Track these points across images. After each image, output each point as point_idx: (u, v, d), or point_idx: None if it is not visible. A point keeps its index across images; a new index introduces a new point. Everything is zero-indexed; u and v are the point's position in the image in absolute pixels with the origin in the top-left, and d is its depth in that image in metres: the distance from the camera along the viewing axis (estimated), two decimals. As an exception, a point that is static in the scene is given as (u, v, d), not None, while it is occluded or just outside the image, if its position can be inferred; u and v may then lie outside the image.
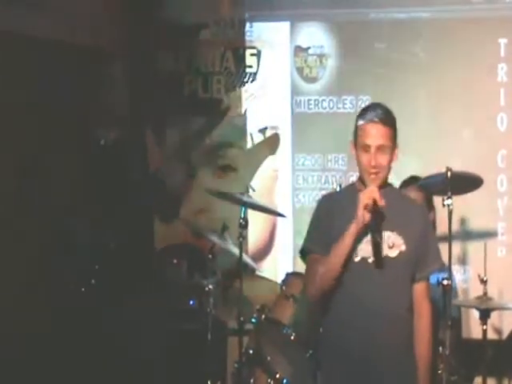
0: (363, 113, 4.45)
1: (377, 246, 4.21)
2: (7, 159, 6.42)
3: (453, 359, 6.01)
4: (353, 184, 4.69)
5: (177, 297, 7.25)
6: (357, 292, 4.42)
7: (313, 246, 4.38)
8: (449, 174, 6.05)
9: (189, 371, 7.10)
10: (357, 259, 4.37)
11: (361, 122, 4.35)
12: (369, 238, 4.32)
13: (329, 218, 4.39)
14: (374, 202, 4.07)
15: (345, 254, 4.17)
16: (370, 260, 4.38)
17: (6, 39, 6.70)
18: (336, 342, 4.50)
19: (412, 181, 6.47)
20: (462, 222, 7.22)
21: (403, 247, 4.44)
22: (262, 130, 8.16)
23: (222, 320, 7.02)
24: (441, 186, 6.20)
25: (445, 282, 5.90)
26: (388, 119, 4.37)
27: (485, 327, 6.07)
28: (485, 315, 5.97)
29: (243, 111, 8.28)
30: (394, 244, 4.49)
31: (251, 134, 8.15)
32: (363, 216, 4.06)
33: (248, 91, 8.29)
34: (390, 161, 4.34)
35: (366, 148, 4.18)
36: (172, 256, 7.56)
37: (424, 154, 7.23)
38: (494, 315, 6.18)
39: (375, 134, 4.28)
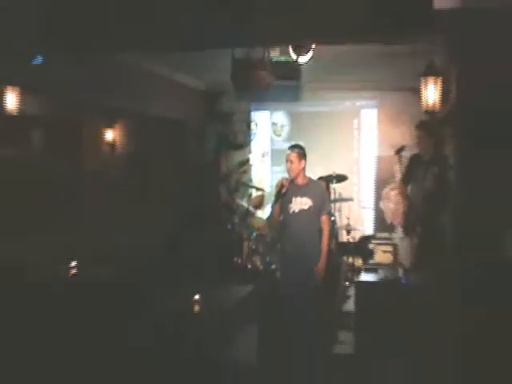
0: (290, 147, 7.68)
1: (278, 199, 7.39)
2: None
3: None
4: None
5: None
6: (293, 224, 7.53)
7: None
8: (334, 174, 10.49)
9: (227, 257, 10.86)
10: (291, 211, 7.52)
11: (287, 151, 7.59)
12: (294, 200, 7.43)
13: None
14: (282, 185, 7.35)
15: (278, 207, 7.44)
16: (296, 210, 7.46)
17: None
18: (286, 238, 7.66)
19: (322, 177, 10.11)
20: (340, 194, 10.85)
21: (311, 203, 7.55)
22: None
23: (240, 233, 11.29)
24: (332, 178, 10.46)
25: (332, 218, 9.58)
26: (297, 149, 7.56)
27: (349, 238, 10.47)
28: (348, 232, 10.52)
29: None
30: (306, 203, 7.54)
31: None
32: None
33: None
34: (297, 168, 7.50)
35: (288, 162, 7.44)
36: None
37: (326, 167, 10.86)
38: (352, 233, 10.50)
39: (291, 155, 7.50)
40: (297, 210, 7.59)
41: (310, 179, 7.81)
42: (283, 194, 7.50)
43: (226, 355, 7.53)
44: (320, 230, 7.66)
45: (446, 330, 5.64)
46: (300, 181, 7.68)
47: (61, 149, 9.56)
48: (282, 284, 7.76)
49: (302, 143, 7.89)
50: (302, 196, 7.61)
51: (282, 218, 7.73)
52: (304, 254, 7.52)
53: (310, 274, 7.47)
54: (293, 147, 7.71)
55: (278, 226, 8.07)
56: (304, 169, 7.67)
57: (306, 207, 7.58)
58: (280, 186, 7.54)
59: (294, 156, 7.62)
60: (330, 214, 9.26)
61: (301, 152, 7.64)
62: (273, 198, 7.70)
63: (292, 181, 7.62)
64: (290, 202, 7.59)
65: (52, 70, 6.99)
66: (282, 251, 7.92)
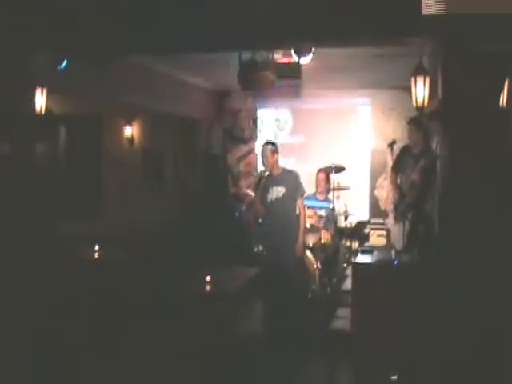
0: (264, 144, 8.32)
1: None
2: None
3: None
4: None
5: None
6: (272, 210, 8.16)
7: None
8: (333, 165, 10.51)
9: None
10: (269, 200, 8.11)
11: (262, 148, 8.24)
12: (271, 190, 8.04)
13: None
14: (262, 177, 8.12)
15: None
16: (273, 198, 8.05)
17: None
18: (268, 223, 8.36)
19: (322, 168, 10.33)
20: (338, 183, 10.76)
21: (284, 190, 8.07)
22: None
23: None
24: (331, 169, 10.47)
25: (331, 206, 10.00)
26: (270, 145, 8.18)
27: (346, 223, 10.50)
28: (346, 218, 10.52)
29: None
30: (280, 191, 8.07)
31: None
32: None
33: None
34: (271, 161, 8.13)
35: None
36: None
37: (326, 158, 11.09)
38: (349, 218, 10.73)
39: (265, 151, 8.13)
40: (274, 198, 8.12)
41: (283, 169, 8.33)
42: (262, 184, 8.13)
43: (236, 331, 7.63)
44: (298, 214, 8.15)
45: (433, 305, 5.76)
46: (275, 172, 8.18)
47: (83, 142, 9.73)
48: (268, 263, 8.20)
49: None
50: (277, 185, 8.12)
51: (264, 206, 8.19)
52: (283, 236, 8.05)
53: (290, 251, 8.01)
54: (266, 144, 8.29)
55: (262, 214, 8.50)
56: (277, 161, 8.20)
57: (280, 195, 8.11)
58: (259, 178, 8.22)
59: (268, 151, 8.18)
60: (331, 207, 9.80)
61: (273, 148, 8.22)
62: None
63: (269, 173, 7.99)
64: (268, 191, 8.13)
65: (75, 72, 7.09)
66: (266, 234, 8.50)
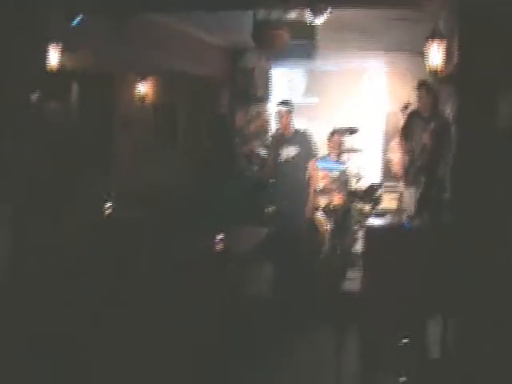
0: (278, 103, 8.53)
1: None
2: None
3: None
4: None
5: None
6: (283, 171, 8.44)
7: None
8: (347, 127, 10.52)
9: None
10: (281, 160, 8.38)
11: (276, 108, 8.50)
12: (282, 150, 8.39)
13: None
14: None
15: None
16: (284, 159, 8.36)
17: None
18: (279, 184, 8.59)
19: (335, 129, 10.31)
20: (351, 145, 10.86)
21: (296, 151, 8.25)
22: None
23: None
24: (344, 131, 10.48)
25: (343, 168, 9.95)
26: (284, 104, 8.35)
27: (358, 186, 10.45)
28: (358, 180, 10.42)
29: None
30: (292, 151, 8.32)
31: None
32: None
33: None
34: (286, 121, 8.36)
35: None
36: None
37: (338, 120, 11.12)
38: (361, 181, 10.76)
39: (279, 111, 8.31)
40: (285, 159, 8.26)
41: (296, 130, 8.37)
42: (274, 145, 8.37)
43: (248, 290, 7.75)
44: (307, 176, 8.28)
45: (441, 267, 5.78)
46: (288, 132, 8.31)
47: (96, 100, 9.71)
48: (278, 224, 8.23)
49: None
50: (289, 146, 8.24)
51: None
52: (294, 197, 8.21)
53: (300, 213, 8.18)
54: (281, 103, 8.38)
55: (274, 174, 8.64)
56: (291, 122, 8.36)
57: (292, 155, 8.25)
58: (272, 138, 8.65)
59: (282, 111, 8.31)
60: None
61: (288, 108, 8.32)
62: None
63: (282, 133, 7.90)
64: (280, 152, 8.25)
65: (89, 29, 7.13)
66: (277, 195, 8.61)
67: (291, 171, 8.18)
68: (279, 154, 8.16)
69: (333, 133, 10.28)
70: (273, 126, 12.12)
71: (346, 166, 10.27)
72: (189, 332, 6.21)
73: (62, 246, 6.63)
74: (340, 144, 10.31)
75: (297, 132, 8.30)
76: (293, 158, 8.15)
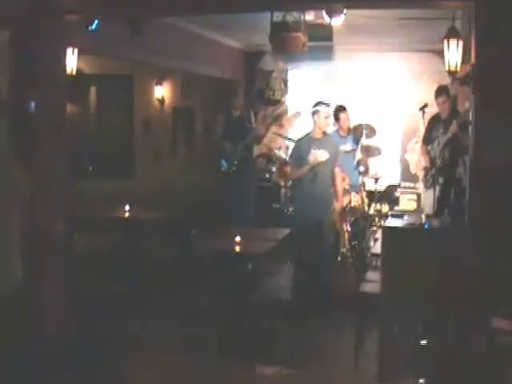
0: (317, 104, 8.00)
1: None
2: None
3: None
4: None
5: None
6: (313, 172, 7.99)
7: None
8: (364, 125, 10.38)
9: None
10: (309, 162, 7.97)
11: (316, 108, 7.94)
12: (311, 152, 7.96)
13: None
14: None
15: None
16: (312, 162, 7.93)
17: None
18: (304, 187, 8.11)
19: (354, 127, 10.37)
20: (368, 146, 10.57)
21: (327, 155, 8.00)
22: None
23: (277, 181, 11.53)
24: (362, 131, 10.50)
25: (361, 168, 10.00)
26: (325, 105, 7.99)
27: (376, 186, 10.31)
28: (376, 181, 10.27)
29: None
30: (323, 155, 7.99)
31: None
32: None
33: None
34: (324, 122, 7.98)
35: None
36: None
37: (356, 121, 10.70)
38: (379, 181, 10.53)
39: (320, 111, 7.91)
40: (315, 161, 7.98)
41: (325, 133, 8.15)
42: (301, 146, 8.20)
43: (265, 292, 7.76)
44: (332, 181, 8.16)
45: (461, 269, 5.64)
46: (317, 135, 8.08)
47: (115, 103, 9.72)
48: (298, 225, 8.06)
49: (334, 100, 7.99)
50: (319, 148, 7.99)
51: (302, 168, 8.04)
52: (319, 198, 8.02)
53: (323, 214, 7.98)
54: (320, 104, 8.06)
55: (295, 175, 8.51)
56: (328, 124, 8.23)
57: (323, 159, 8.00)
58: (298, 140, 8.45)
59: (321, 113, 8.03)
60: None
61: (327, 110, 8.14)
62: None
63: (309, 135, 7.94)
64: (308, 153, 7.98)
65: (107, 33, 7.07)
66: (301, 196, 8.33)
67: (319, 173, 8.07)
68: (307, 156, 7.99)
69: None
70: (289, 129, 12.23)
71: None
72: (204, 333, 6.39)
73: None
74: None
75: (327, 135, 8.19)
76: (324, 161, 8.00)
